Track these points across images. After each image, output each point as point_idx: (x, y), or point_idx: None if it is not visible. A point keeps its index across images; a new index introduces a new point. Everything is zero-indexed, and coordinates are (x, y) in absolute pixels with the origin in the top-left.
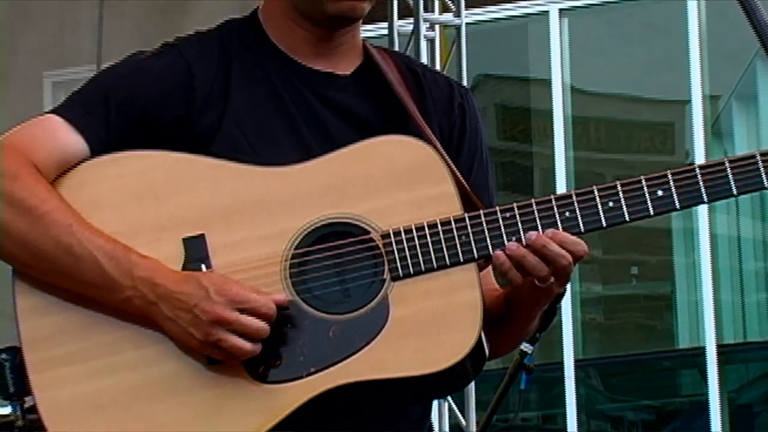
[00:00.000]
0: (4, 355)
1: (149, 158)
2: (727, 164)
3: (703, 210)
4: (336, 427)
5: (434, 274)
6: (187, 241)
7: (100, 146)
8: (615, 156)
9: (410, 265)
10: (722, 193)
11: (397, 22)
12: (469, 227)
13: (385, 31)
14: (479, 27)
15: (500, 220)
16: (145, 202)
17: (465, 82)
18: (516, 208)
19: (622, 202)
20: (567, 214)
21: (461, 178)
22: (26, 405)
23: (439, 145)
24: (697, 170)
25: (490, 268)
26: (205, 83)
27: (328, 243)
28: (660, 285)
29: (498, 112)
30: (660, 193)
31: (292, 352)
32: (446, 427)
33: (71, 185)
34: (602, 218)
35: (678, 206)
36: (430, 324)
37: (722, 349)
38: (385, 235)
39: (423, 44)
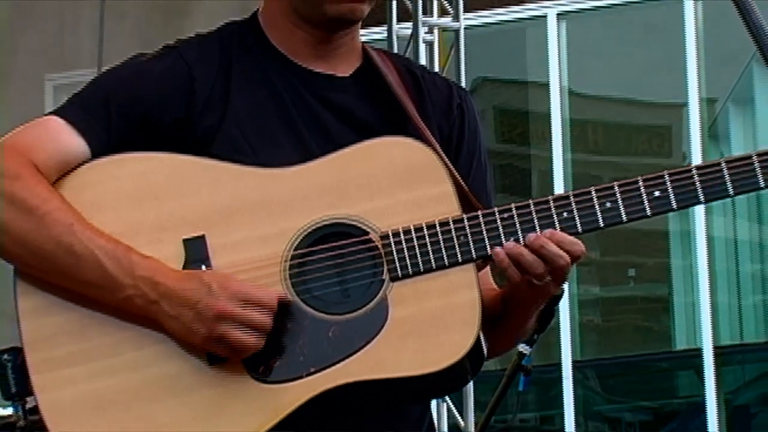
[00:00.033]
0: (5, 356)
1: (149, 160)
2: (723, 165)
3: (700, 212)
4: (336, 427)
5: (433, 275)
6: (187, 242)
7: (100, 148)
8: (612, 158)
9: (409, 265)
10: (719, 193)
11: (396, 26)
12: (467, 228)
13: (384, 35)
14: (478, 30)
15: (498, 221)
16: (146, 204)
17: (463, 86)
18: (514, 209)
19: (620, 202)
20: (565, 214)
21: (460, 179)
22: (28, 405)
23: (438, 147)
24: (694, 171)
25: (488, 268)
26: (206, 85)
27: (328, 244)
28: (657, 287)
29: (496, 115)
30: (657, 193)
31: (292, 352)
32: (445, 428)
33: (72, 186)
34: (600, 219)
35: (675, 207)
36: (429, 324)
37: (719, 351)
38: (385, 236)
39: (422, 47)
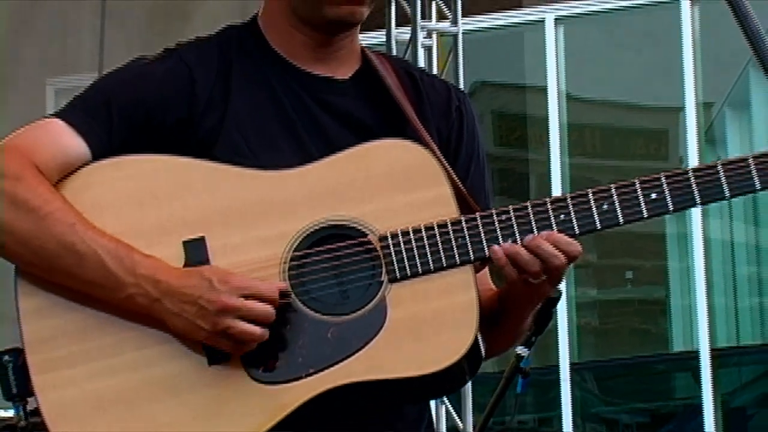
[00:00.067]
0: (6, 357)
1: (150, 162)
2: (719, 167)
3: (696, 215)
4: (335, 427)
5: (431, 276)
6: (187, 244)
7: (101, 150)
8: (610, 162)
9: (407, 267)
10: (715, 195)
11: (394, 30)
12: (465, 229)
13: (383, 39)
14: (476, 35)
15: (496, 223)
16: (146, 205)
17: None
18: (512, 211)
19: (617, 204)
20: (562, 216)
21: (458, 181)
22: (28, 406)
23: (436, 149)
24: (690, 173)
25: (486, 269)
26: (206, 88)
27: (327, 245)
28: (654, 289)
29: (494, 119)
30: (654, 195)
31: (291, 353)
32: (444, 429)
33: (73, 188)
34: (597, 220)
35: (671, 209)
36: (427, 325)
37: (716, 353)
38: (383, 238)
39: (420, 52)
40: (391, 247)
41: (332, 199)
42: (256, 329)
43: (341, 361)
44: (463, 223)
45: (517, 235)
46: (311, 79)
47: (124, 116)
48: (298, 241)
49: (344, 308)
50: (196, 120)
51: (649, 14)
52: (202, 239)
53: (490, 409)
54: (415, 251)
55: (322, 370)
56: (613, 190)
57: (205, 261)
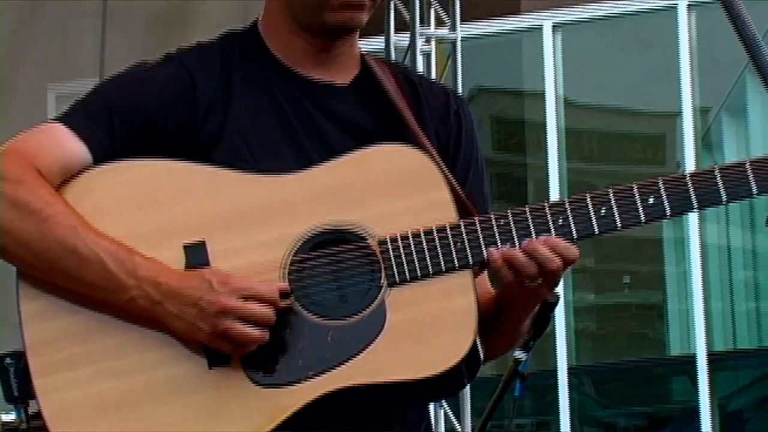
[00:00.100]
0: (8, 360)
1: (151, 166)
2: (717, 172)
3: (693, 220)
4: (334, 430)
5: (430, 280)
6: (187, 248)
7: (102, 154)
8: (607, 167)
9: (406, 271)
10: (712, 200)
11: (393, 36)
12: (464, 233)
13: (382, 45)
14: (474, 41)
15: (495, 227)
16: (147, 210)
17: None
18: (510, 215)
19: (614, 209)
20: (560, 221)
21: (457, 186)
22: (30, 409)
23: (435, 153)
24: (688, 177)
25: (484, 274)
26: (207, 92)
27: (327, 249)
28: (651, 294)
29: (493, 125)
30: (651, 200)
31: (291, 356)
32: None
33: (75, 192)
34: (594, 225)
35: (668, 213)
36: (426, 328)
37: (713, 357)
38: (382, 242)
39: (419, 58)
40: (391, 251)
41: (332, 204)
42: (255, 331)
43: (341, 364)
44: (462, 227)
45: (515, 239)
46: (312, 85)
47: (125, 121)
48: (298, 245)
49: (344, 312)
50: (197, 125)
51: (646, 20)
52: (202, 243)
53: (489, 412)
54: (414, 255)
55: (321, 373)
56: (611, 194)
57: (206, 264)
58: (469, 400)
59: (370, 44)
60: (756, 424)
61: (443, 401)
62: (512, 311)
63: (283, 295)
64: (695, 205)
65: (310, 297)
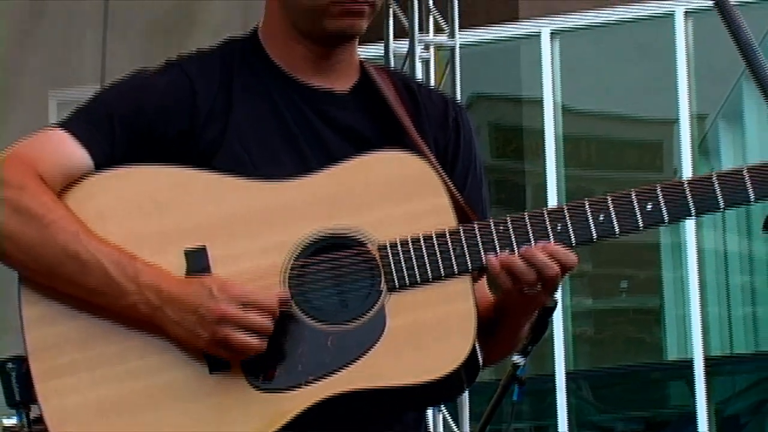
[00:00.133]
0: (9, 364)
1: (152, 172)
2: (714, 178)
3: (690, 226)
4: None
5: (430, 286)
6: (188, 253)
7: (104, 160)
8: (605, 173)
9: (406, 276)
10: (710, 207)
11: (392, 43)
12: (463, 239)
13: (381, 52)
14: (473, 48)
15: (494, 233)
16: (148, 215)
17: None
18: (509, 221)
19: (613, 215)
20: (559, 227)
21: (455, 192)
22: (31, 413)
23: (434, 159)
24: (686, 184)
25: (483, 279)
26: (207, 99)
27: (327, 255)
28: (649, 299)
29: (491, 131)
30: (649, 206)
31: (291, 361)
32: None
33: (76, 198)
34: (593, 231)
35: (666, 220)
36: (425, 334)
37: (709, 362)
38: (382, 247)
39: (418, 65)
40: (390, 256)
41: (332, 209)
42: (254, 341)
43: (341, 369)
44: (461, 233)
45: (514, 245)
46: (312, 93)
47: (126, 127)
48: (298, 251)
49: (344, 317)
50: (197, 132)
51: (644, 28)
52: (203, 248)
53: (487, 417)
54: (414, 261)
55: (321, 378)
56: (610, 201)
57: (207, 270)
58: (467, 405)
59: (370, 51)
60: (753, 429)
61: (442, 405)
62: (512, 318)
63: (283, 303)
64: (693, 211)
65: (311, 302)
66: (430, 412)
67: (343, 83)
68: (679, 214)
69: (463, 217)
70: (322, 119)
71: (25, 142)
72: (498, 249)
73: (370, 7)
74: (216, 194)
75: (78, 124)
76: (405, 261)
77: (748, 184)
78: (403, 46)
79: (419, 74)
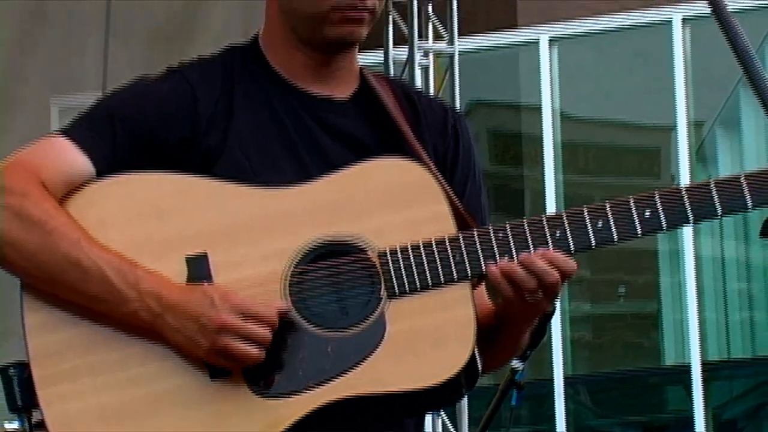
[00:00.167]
0: (12, 370)
1: (154, 179)
2: (712, 185)
3: (688, 232)
4: None
5: (429, 292)
6: (189, 260)
7: (105, 167)
8: (603, 180)
9: (406, 283)
10: (708, 213)
11: (392, 50)
12: (462, 246)
13: (381, 59)
14: (472, 55)
15: (493, 240)
16: (149, 222)
17: (458, 109)
18: (508, 228)
19: (611, 222)
20: (558, 234)
21: (455, 199)
22: (33, 418)
23: (433, 167)
24: (684, 192)
25: (482, 286)
26: (209, 106)
27: (327, 261)
28: (647, 304)
29: (490, 138)
30: (647, 213)
31: (291, 367)
32: None
33: (78, 205)
34: (592, 238)
35: (665, 226)
36: (425, 340)
37: (707, 367)
38: (382, 254)
39: (417, 72)
40: (390, 263)
41: (332, 216)
42: (254, 351)
43: (341, 375)
44: (461, 240)
45: (513, 252)
46: (312, 100)
47: (127, 134)
48: (298, 258)
49: (344, 323)
50: (198, 139)
51: (642, 35)
52: (204, 255)
53: (486, 422)
54: (414, 267)
55: (321, 384)
56: (608, 208)
57: (208, 277)
58: (466, 410)
59: (369, 58)
60: None
61: (441, 410)
62: (513, 325)
63: (283, 314)
64: (691, 218)
65: (311, 308)
66: (429, 417)
67: (342, 90)
68: (677, 221)
69: (462, 224)
70: (321, 126)
71: (28, 149)
72: (497, 256)
73: (369, 14)
74: (217, 201)
75: (80, 131)
76: (405, 268)
77: (746, 192)
78: (402, 53)
79: (418, 81)
